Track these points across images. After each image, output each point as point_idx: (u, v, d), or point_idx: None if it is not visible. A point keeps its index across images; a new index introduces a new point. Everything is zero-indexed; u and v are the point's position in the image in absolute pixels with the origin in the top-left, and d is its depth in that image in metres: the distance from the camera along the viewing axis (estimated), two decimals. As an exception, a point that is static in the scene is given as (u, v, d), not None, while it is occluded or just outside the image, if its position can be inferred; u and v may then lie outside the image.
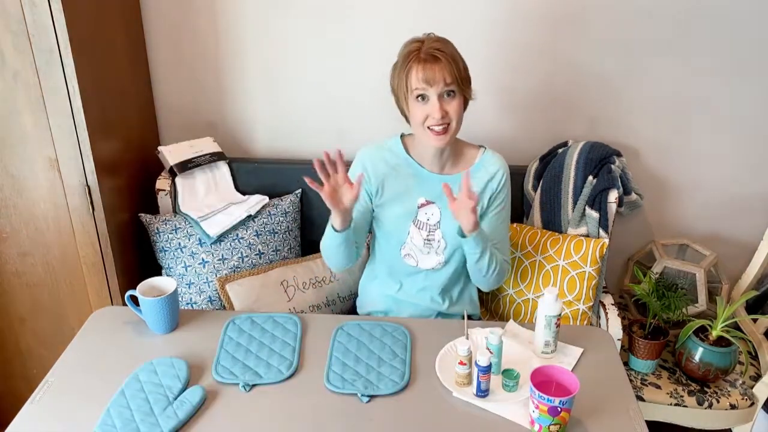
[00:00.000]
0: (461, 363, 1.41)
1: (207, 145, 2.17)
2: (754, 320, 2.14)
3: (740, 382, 2.02)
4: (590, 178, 1.97)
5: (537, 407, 1.29)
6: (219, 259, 1.99)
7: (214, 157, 2.15)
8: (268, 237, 2.06)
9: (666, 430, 2.05)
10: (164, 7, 2.12)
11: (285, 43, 2.15)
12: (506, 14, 2.07)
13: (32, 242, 1.91)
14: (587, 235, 1.96)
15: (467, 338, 1.56)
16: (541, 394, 1.27)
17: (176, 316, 1.60)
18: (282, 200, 2.13)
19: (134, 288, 1.56)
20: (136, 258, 2.09)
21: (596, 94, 2.17)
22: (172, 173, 2.09)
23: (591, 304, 1.92)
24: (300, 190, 2.17)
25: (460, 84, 1.56)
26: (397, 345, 1.55)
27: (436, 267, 1.75)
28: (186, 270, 1.99)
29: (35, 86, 1.71)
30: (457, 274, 1.79)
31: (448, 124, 1.58)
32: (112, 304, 1.97)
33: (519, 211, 2.15)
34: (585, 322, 1.92)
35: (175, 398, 1.37)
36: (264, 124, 2.29)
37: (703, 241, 2.31)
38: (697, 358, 1.97)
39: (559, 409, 1.27)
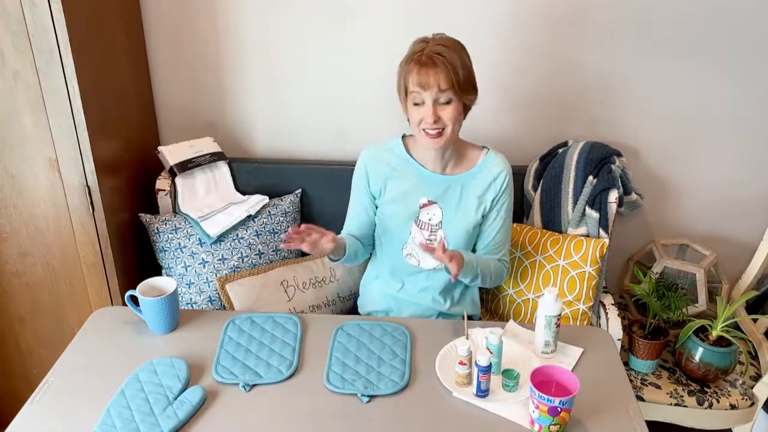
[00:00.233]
0: (461, 363, 1.41)
1: (207, 145, 2.17)
2: (754, 320, 2.14)
3: (740, 382, 2.02)
4: (590, 178, 1.97)
5: (537, 407, 1.29)
6: (219, 259, 1.99)
7: (214, 157, 2.15)
8: (268, 237, 2.06)
9: (666, 430, 2.05)
10: (164, 7, 2.12)
11: (285, 43, 2.15)
12: (506, 15, 2.07)
13: (32, 242, 1.91)
14: (587, 235, 1.96)
15: (467, 338, 1.56)
16: (541, 394, 1.27)
17: (176, 316, 1.60)
18: (282, 200, 2.13)
19: (134, 288, 1.56)
20: (136, 258, 2.09)
21: (596, 94, 2.17)
22: (172, 173, 2.08)
23: (591, 304, 1.92)
24: (300, 190, 2.17)
25: (457, 90, 1.54)
26: (397, 345, 1.55)
27: (437, 267, 1.75)
28: (186, 270, 1.99)
29: (35, 86, 1.71)
30: (458, 275, 1.79)
31: (443, 129, 1.58)
32: (112, 304, 1.97)
33: (519, 211, 2.15)
34: (585, 322, 1.92)
35: (175, 398, 1.37)
36: (264, 124, 2.29)
37: (703, 241, 2.31)
38: (697, 358, 1.97)
39: (559, 409, 1.27)
